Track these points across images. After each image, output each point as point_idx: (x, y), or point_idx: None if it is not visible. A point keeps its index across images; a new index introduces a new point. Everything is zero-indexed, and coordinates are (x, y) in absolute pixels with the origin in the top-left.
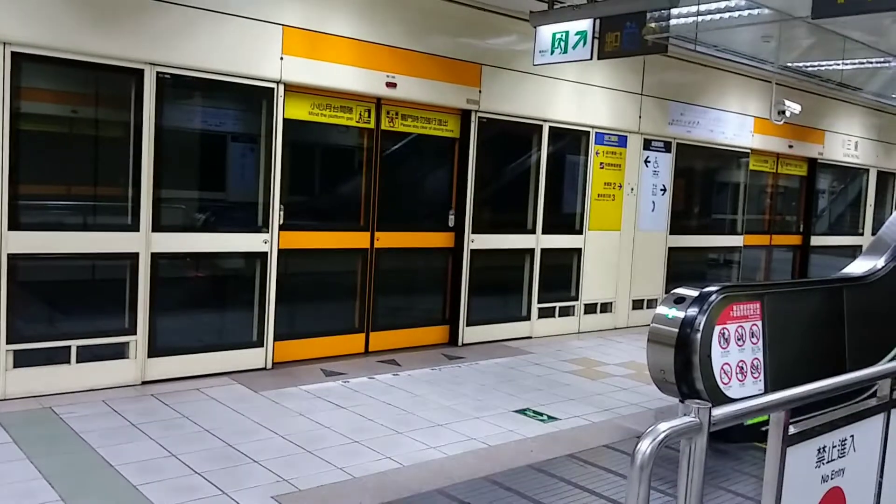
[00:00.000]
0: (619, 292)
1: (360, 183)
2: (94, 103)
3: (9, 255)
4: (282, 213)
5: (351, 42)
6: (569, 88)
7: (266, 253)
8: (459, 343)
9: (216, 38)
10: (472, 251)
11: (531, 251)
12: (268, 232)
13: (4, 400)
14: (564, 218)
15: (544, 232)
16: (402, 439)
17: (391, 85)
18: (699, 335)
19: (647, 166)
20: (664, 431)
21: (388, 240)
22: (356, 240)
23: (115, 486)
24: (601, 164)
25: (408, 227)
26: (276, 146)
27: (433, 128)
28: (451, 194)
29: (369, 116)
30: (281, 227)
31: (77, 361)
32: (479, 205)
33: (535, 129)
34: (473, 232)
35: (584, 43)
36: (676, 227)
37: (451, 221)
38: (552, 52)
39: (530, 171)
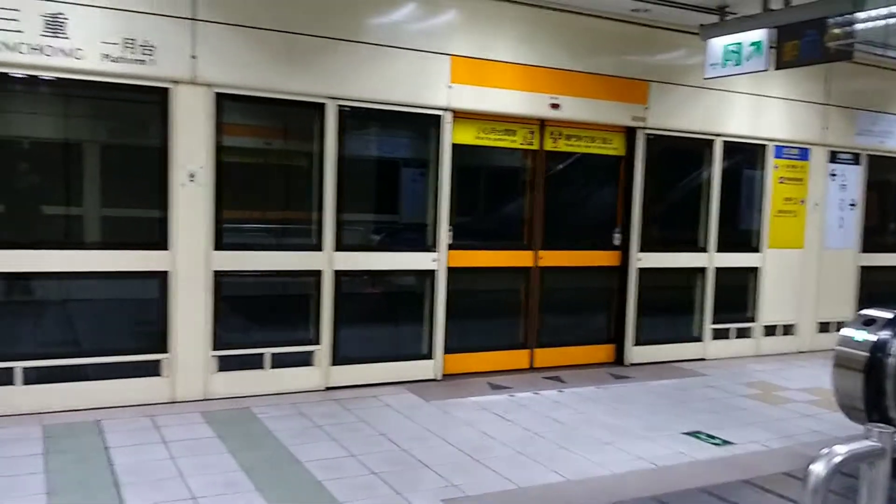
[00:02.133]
0: (803, 313)
1: (524, 203)
2: (283, 136)
3: (214, 271)
4: (450, 233)
5: (514, 67)
6: (743, 101)
7: (435, 271)
8: (626, 363)
9: (389, 71)
10: (640, 270)
11: (703, 270)
12: (436, 251)
13: (210, 400)
14: (740, 235)
15: (718, 250)
16: (567, 454)
17: (555, 106)
18: (892, 360)
19: (833, 180)
20: (841, 454)
21: (552, 258)
22: (520, 258)
23: (302, 480)
24: (780, 178)
25: (571, 245)
26: (444, 170)
27: (597, 146)
28: (616, 212)
29: (533, 138)
30: (449, 247)
31: (271, 367)
32: (646, 223)
33: (706, 145)
34: (641, 250)
35: (760, 53)
36: (870, 245)
37: (617, 240)
38: (724, 65)
39: (702, 187)
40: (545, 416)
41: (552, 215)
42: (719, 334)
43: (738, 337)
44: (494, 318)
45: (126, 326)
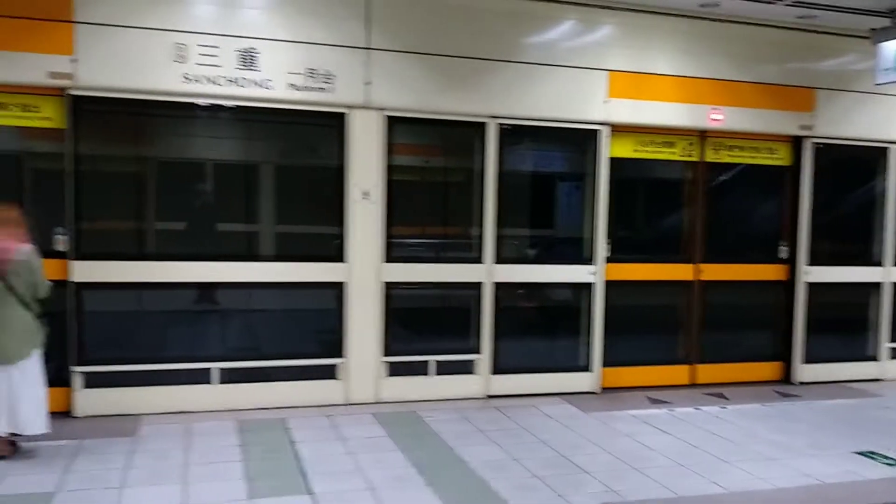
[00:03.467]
0: None
1: (684, 215)
2: (446, 154)
3: (384, 282)
4: (608, 246)
5: (673, 79)
6: None
7: (593, 284)
8: (793, 381)
9: (547, 88)
10: (808, 284)
11: (878, 285)
12: (594, 264)
13: (380, 403)
14: None
15: None
16: (728, 468)
17: (716, 117)
18: None
19: None
20: None
21: (713, 272)
22: (680, 272)
23: (468, 478)
24: None
25: (733, 259)
26: (601, 184)
27: (762, 157)
28: (782, 225)
29: (693, 149)
30: (606, 260)
31: (436, 374)
32: (814, 235)
33: (879, 153)
34: (809, 264)
35: None
36: None
37: (783, 253)
38: None
39: (875, 197)
40: (706, 430)
41: (713, 228)
42: None
43: None
44: (653, 332)
45: (307, 333)
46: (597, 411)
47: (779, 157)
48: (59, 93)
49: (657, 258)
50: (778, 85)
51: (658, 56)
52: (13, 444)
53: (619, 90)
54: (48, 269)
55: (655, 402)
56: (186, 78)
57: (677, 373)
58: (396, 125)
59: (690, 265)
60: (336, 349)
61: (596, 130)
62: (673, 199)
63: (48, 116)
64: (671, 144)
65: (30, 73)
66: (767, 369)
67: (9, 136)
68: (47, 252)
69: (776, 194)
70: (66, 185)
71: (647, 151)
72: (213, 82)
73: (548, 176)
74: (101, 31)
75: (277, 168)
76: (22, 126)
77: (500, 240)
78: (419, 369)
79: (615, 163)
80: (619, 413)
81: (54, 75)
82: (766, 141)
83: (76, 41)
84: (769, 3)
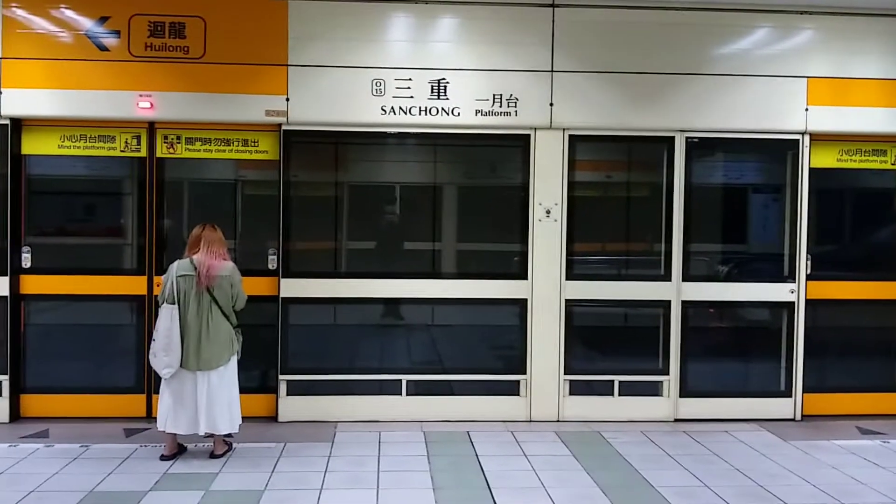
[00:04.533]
0: None
1: None
2: (630, 170)
3: (565, 300)
4: (809, 262)
5: (882, 83)
6: None
7: (792, 303)
8: None
9: (738, 99)
10: None
11: None
12: (794, 282)
13: (562, 421)
14: None
15: None
16: None
17: None
18: None
19: None
20: None
21: None
22: (893, 290)
23: (655, 503)
24: None
25: None
26: (802, 196)
27: None
28: None
29: None
30: (808, 277)
31: (619, 395)
32: None
33: None
34: None
35: None
36: None
37: None
38: None
39: None
40: None
41: None
42: None
43: None
44: (863, 356)
45: (490, 349)
46: (797, 440)
47: None
48: (274, 128)
49: (866, 276)
50: None
51: (864, 59)
52: (229, 444)
53: (819, 97)
54: (263, 287)
55: (866, 432)
56: (383, 110)
57: (892, 401)
58: (579, 143)
59: None
60: (519, 365)
61: (794, 140)
62: (884, 211)
63: (265, 150)
64: (882, 153)
65: (250, 112)
66: None
67: (230, 168)
68: (262, 271)
69: None
70: (278, 211)
71: (853, 161)
72: (407, 112)
73: (740, 189)
74: (310, 71)
75: (464, 189)
76: (242, 159)
77: (688, 256)
78: (602, 389)
79: (816, 173)
80: (823, 443)
81: (270, 113)
82: None
83: (290, 82)
84: None
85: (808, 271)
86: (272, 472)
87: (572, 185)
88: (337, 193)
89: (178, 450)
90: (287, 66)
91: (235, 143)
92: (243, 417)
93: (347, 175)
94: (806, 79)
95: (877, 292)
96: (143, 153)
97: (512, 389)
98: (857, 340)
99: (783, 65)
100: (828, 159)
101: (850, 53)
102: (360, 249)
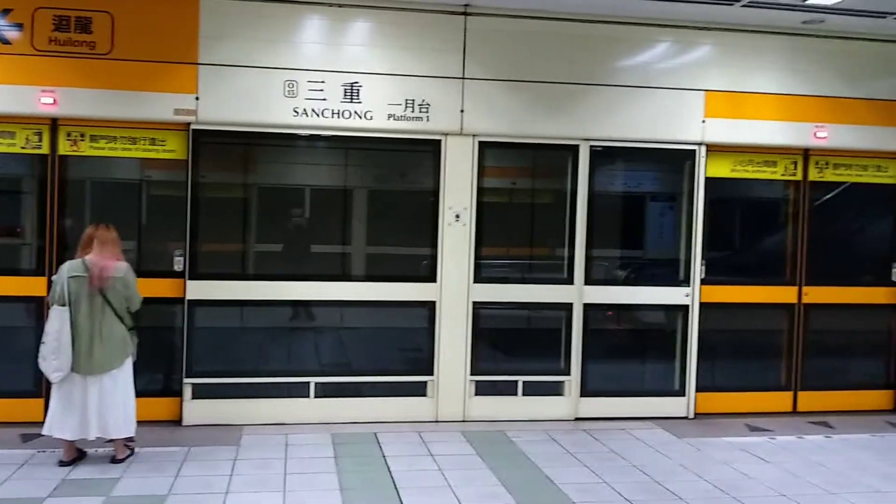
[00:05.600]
0: None
1: (785, 236)
2: (536, 176)
3: (473, 302)
4: (703, 267)
5: (774, 97)
6: None
7: (687, 306)
8: None
9: (640, 110)
10: None
11: None
12: (689, 286)
13: (467, 421)
14: None
15: None
16: (834, 500)
17: (820, 135)
18: None
19: None
20: None
21: (818, 295)
22: (781, 294)
23: (558, 500)
24: None
25: (840, 281)
26: (698, 204)
27: (870, 175)
28: (893, 245)
29: (795, 168)
30: (702, 282)
31: (523, 395)
32: None
33: None
34: None
35: None
36: None
37: (895, 276)
38: None
39: None
40: (810, 460)
41: (818, 249)
42: None
43: None
44: (752, 357)
45: (398, 351)
46: (691, 437)
47: (889, 175)
48: (183, 127)
49: (757, 280)
50: (888, 100)
51: (758, 74)
52: (130, 448)
53: (716, 110)
54: (168, 289)
55: (754, 429)
56: (296, 112)
57: (778, 399)
58: (488, 150)
59: (793, 287)
60: (426, 367)
61: (692, 151)
62: (774, 219)
63: (173, 149)
64: (772, 164)
65: (158, 111)
66: (877, 398)
67: (136, 167)
68: (167, 273)
69: (887, 213)
70: (185, 211)
71: (746, 171)
72: (320, 115)
73: (641, 197)
74: (221, 70)
75: (374, 192)
76: (148, 158)
77: (590, 260)
78: (507, 389)
79: (711, 183)
80: (715, 440)
81: (179, 112)
82: (875, 158)
83: (199, 81)
84: (878, 16)
85: (703, 276)
86: (176, 476)
87: (481, 191)
88: (247, 195)
89: (77, 455)
90: (197, 64)
91: (142, 142)
92: (146, 422)
93: (258, 177)
94: (704, 92)
95: (766, 296)
96: (45, 150)
97: (419, 391)
98: (748, 342)
99: (683, 78)
100: (723, 169)
101: (746, 68)
102: (270, 252)
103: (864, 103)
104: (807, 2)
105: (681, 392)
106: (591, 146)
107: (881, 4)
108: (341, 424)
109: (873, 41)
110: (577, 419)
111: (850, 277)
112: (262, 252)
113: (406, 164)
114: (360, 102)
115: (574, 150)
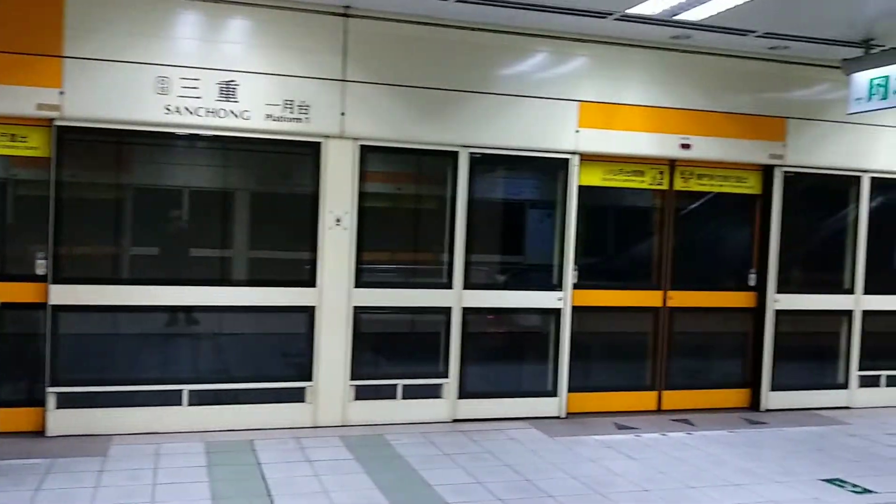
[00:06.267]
0: None
1: (653, 243)
2: (418, 182)
3: (354, 307)
4: (576, 272)
5: (644, 109)
6: (893, 135)
7: (560, 309)
8: (761, 408)
9: (518, 118)
10: (777, 311)
11: (849, 313)
12: (562, 290)
13: (347, 426)
14: (892, 277)
15: (867, 292)
16: (694, 493)
17: (686, 146)
18: None
19: None
20: None
21: (682, 299)
22: (648, 298)
23: (433, 502)
24: None
25: (703, 286)
26: (571, 211)
27: (731, 185)
28: (752, 252)
29: (662, 178)
30: (575, 286)
31: (402, 398)
32: (784, 263)
33: (852, 182)
34: (778, 292)
35: None
36: None
37: (752, 281)
38: (869, 99)
39: (847, 225)
40: (672, 456)
41: (683, 255)
42: (868, 381)
43: (889, 385)
44: (621, 359)
45: (277, 356)
46: (562, 436)
47: (749, 186)
48: (45, 123)
49: (625, 285)
50: (749, 115)
51: (629, 87)
52: None
53: (589, 120)
54: (28, 294)
55: (622, 427)
56: (168, 109)
57: (644, 399)
58: (370, 154)
59: (659, 292)
60: (305, 372)
61: (566, 159)
62: (642, 226)
63: (35, 146)
64: (641, 173)
65: (19, 105)
66: (736, 396)
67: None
68: (28, 276)
69: (747, 222)
70: (49, 213)
71: (616, 180)
72: (194, 113)
73: (518, 203)
74: (88, 65)
75: (253, 195)
76: (8, 155)
77: (469, 265)
78: (387, 393)
79: (585, 191)
80: (584, 438)
81: (42, 107)
82: (736, 170)
83: (64, 75)
84: (741, 34)
85: (575, 281)
86: (36, 489)
87: (363, 195)
88: (118, 196)
89: None
90: (62, 57)
91: (1, 138)
92: (6, 433)
93: (131, 177)
94: (578, 102)
95: (634, 300)
96: None
97: (298, 396)
98: (617, 344)
99: (558, 88)
100: (594, 178)
101: (618, 81)
102: (143, 255)
103: (727, 117)
104: (675, 17)
105: (553, 392)
106: (471, 153)
107: (744, 23)
108: (216, 433)
109: (736, 58)
110: (456, 421)
111: (711, 282)
112: (134, 255)
113: (286, 165)
114: (236, 101)
115: (454, 156)
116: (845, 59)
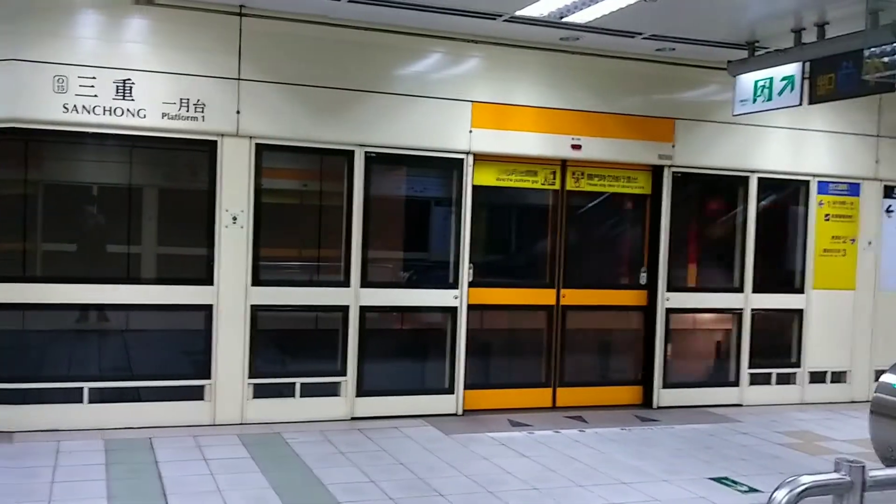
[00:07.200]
0: (857, 361)
1: (547, 242)
2: (315, 180)
3: (251, 305)
4: (471, 270)
5: (535, 110)
6: (780, 135)
7: (456, 308)
8: (654, 405)
9: (413, 118)
10: (668, 310)
11: (739, 311)
12: (458, 288)
13: (246, 424)
14: (780, 276)
15: (755, 290)
16: (583, 493)
17: (576, 147)
18: None
19: (889, 216)
20: (805, 484)
21: (575, 297)
22: (542, 297)
23: (324, 501)
24: (826, 215)
25: (595, 284)
26: (466, 210)
27: (621, 185)
28: (643, 251)
29: (554, 178)
30: (470, 284)
31: (300, 396)
32: (674, 261)
33: (739, 182)
34: (669, 290)
35: (792, 88)
36: None
37: (643, 279)
38: (754, 101)
39: (735, 225)
40: (564, 454)
41: (575, 254)
42: (758, 379)
43: (779, 383)
44: (516, 356)
45: (176, 354)
46: (457, 433)
47: (639, 186)
48: None
49: (521, 283)
50: (638, 116)
51: (521, 88)
52: None
53: (482, 121)
54: None
55: (516, 424)
56: (66, 108)
57: (539, 396)
58: (266, 152)
59: (552, 290)
60: (203, 370)
61: (460, 159)
62: (536, 225)
63: None
64: (534, 173)
65: None
66: (628, 393)
67: None
68: None
69: (637, 222)
70: None
71: (510, 180)
72: (91, 112)
73: (416, 202)
74: None
75: (150, 193)
76: None
77: (366, 264)
78: (285, 391)
79: (479, 190)
80: (479, 435)
81: None
82: (626, 170)
83: None
84: (629, 36)
85: (471, 279)
86: None
87: (260, 193)
88: (21, 193)
89: None
90: None
91: None
92: None
93: (33, 174)
94: (471, 103)
95: (529, 298)
96: None
97: (197, 394)
98: (512, 341)
99: (452, 88)
100: (489, 178)
101: (510, 81)
102: (45, 252)
103: (616, 118)
104: (563, 19)
105: (450, 390)
106: (366, 152)
107: (631, 25)
108: (116, 430)
109: (625, 59)
110: (354, 419)
111: (604, 280)
112: (36, 252)
113: (182, 163)
114: (132, 100)
115: (350, 154)
116: (730, 62)
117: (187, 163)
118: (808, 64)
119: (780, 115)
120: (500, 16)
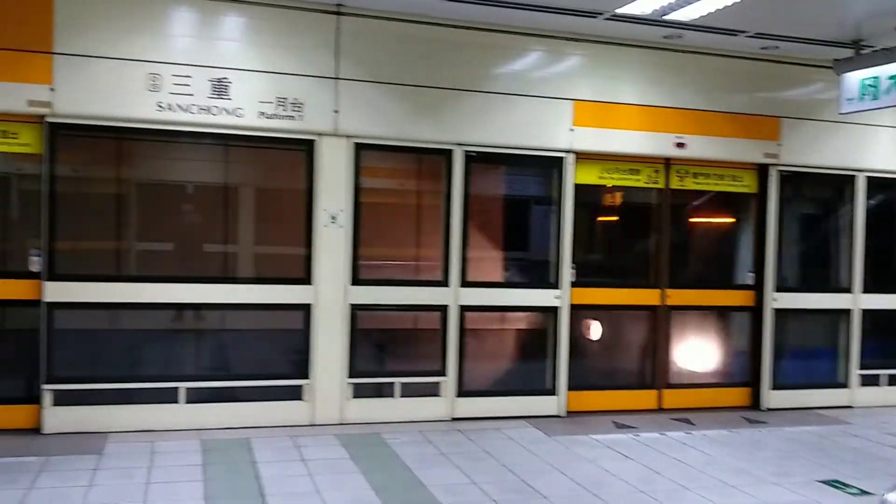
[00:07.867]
0: None
1: (649, 241)
2: (414, 179)
3: (350, 304)
4: (573, 270)
5: (638, 108)
6: (888, 134)
7: (558, 307)
8: (762, 407)
9: (513, 117)
10: (776, 310)
11: (848, 312)
12: (559, 288)
13: (344, 424)
14: (890, 276)
15: (865, 291)
16: (689, 495)
17: (681, 145)
18: None
19: None
20: None
21: (679, 297)
22: (646, 297)
23: (426, 502)
24: None
25: (700, 284)
26: (567, 209)
27: (727, 184)
28: (749, 251)
29: (658, 176)
30: (572, 284)
31: (400, 396)
32: (782, 261)
33: (847, 181)
34: (776, 290)
35: None
36: None
37: (750, 279)
38: (861, 99)
39: (843, 224)
40: (670, 456)
41: (680, 253)
42: (868, 380)
43: (891, 384)
44: (620, 357)
45: (274, 354)
46: (560, 435)
47: (745, 185)
48: (37, 120)
49: (623, 283)
50: (743, 114)
51: (623, 86)
52: None
53: (584, 119)
54: (22, 290)
55: (620, 426)
56: (160, 106)
57: (644, 397)
58: (364, 151)
59: (657, 290)
60: (302, 370)
61: (561, 158)
62: (639, 224)
63: (27, 142)
64: (636, 172)
65: (10, 102)
66: (735, 395)
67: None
68: (21, 273)
69: (743, 221)
70: (41, 208)
71: (612, 178)
72: (186, 110)
73: (515, 201)
74: (79, 61)
75: (247, 192)
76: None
77: (465, 263)
78: (384, 391)
79: (580, 189)
80: (582, 437)
81: (33, 104)
82: (731, 168)
83: (55, 71)
84: (732, 34)
85: (573, 279)
86: (30, 488)
87: (359, 192)
88: (112, 192)
89: None
90: (53, 53)
91: None
92: (0, 430)
93: (123, 173)
94: (572, 101)
95: (632, 298)
96: None
97: (295, 394)
98: (616, 342)
99: (552, 87)
100: (590, 176)
101: (613, 79)
102: (148, 251)
103: (721, 116)
104: (665, 17)
105: (552, 391)
106: (466, 151)
107: (734, 23)
108: (213, 430)
109: (729, 57)
110: (454, 419)
111: (709, 281)
112: (141, 251)
113: (279, 163)
114: (229, 99)
115: (448, 154)
116: (836, 60)
117: (285, 162)
118: None
119: (888, 113)
120: (601, 14)
